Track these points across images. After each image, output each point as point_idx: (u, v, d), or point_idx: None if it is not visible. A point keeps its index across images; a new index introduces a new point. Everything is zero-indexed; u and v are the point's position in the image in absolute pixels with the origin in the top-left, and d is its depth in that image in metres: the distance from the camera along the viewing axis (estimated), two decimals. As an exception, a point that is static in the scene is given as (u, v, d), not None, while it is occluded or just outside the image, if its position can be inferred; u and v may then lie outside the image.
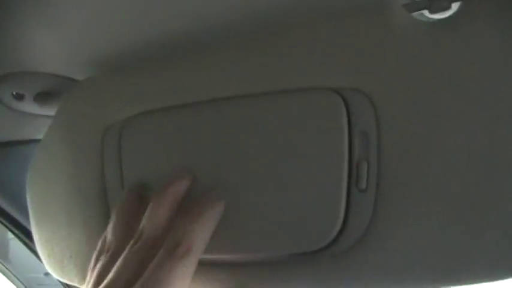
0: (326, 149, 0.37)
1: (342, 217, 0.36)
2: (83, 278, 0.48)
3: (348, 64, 0.37)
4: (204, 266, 0.39)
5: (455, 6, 0.37)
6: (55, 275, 0.51)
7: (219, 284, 0.41)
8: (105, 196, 0.46)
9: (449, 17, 0.36)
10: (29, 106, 0.57)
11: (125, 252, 0.38)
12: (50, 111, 0.56)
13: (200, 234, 0.38)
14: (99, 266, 0.40)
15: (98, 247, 0.43)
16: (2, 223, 0.78)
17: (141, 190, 0.43)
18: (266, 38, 0.40)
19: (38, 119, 0.61)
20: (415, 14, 0.37)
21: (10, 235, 0.82)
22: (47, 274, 0.96)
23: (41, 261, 0.52)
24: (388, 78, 0.36)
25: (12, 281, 1.01)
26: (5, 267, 0.98)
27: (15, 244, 0.87)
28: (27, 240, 0.79)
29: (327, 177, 0.37)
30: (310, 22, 0.38)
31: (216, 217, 0.39)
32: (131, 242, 0.39)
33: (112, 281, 0.37)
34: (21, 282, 1.00)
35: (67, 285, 0.88)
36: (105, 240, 0.42)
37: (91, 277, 0.40)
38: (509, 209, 0.32)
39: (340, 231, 0.36)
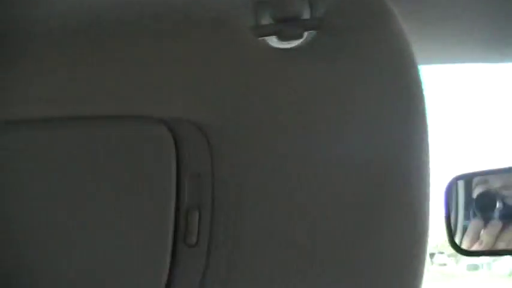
0: (150, 193, 0.32)
1: (166, 276, 0.31)
2: None
3: (177, 90, 0.33)
4: None
5: (307, 35, 0.34)
6: None
7: None
8: None
9: (301, 46, 0.33)
10: None
11: None
12: None
13: None
14: None
15: None
16: None
17: None
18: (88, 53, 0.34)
19: None
20: (264, 40, 0.33)
21: None
22: None
23: None
24: (227, 110, 0.32)
25: None
26: None
27: None
28: None
29: (150, 229, 0.31)
30: (139, 41, 0.34)
31: None
32: None
33: None
34: None
35: None
36: None
37: None
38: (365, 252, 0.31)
39: None
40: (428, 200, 0.32)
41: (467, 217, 0.79)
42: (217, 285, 0.31)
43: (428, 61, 0.73)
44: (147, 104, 0.33)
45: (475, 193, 0.78)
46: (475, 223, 0.78)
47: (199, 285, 0.31)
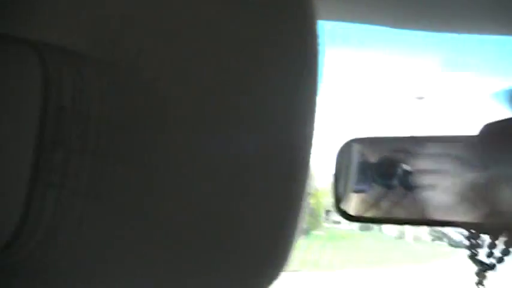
0: (11, 121, 0.29)
1: (19, 212, 0.28)
2: None
3: (53, 14, 0.30)
4: None
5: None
6: None
7: None
8: None
9: None
10: None
11: None
12: None
13: None
14: None
15: None
16: None
17: None
18: None
19: None
20: None
21: None
22: None
23: None
24: (107, 42, 0.29)
25: None
26: None
27: None
28: None
29: (10, 163, 0.28)
30: None
31: None
32: None
33: None
34: None
35: None
36: None
37: None
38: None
39: (15, 236, 0.28)
40: (308, 168, 0.31)
41: (361, 182, 0.79)
42: (73, 229, 0.29)
43: (330, 17, 0.71)
44: (20, 25, 0.31)
45: (375, 158, 0.78)
46: (373, 189, 0.78)
47: (55, 226, 0.29)
